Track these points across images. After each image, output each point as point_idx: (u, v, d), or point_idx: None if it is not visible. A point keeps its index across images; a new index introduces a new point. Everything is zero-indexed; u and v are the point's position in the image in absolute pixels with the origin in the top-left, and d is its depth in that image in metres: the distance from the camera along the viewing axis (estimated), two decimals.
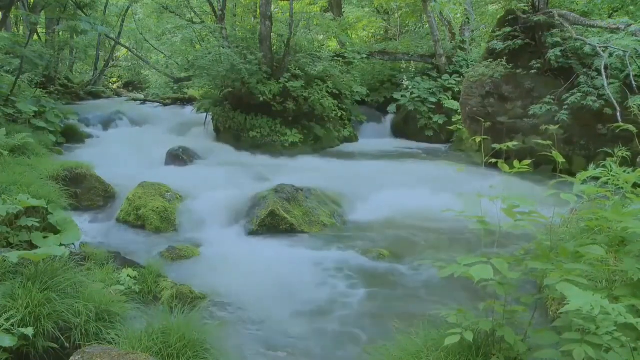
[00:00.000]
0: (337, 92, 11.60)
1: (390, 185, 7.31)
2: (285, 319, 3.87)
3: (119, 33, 16.72)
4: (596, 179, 3.31)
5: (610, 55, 7.38)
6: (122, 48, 19.92)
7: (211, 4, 12.29)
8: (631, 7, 9.73)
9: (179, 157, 9.00)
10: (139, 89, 21.66)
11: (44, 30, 15.99)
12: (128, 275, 3.88)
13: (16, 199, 3.93)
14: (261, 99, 10.22)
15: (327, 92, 11.12)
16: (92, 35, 14.50)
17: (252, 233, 5.80)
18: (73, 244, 4.48)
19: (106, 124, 12.35)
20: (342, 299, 4.23)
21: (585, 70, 8.09)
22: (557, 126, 3.44)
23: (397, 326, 3.20)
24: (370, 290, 4.40)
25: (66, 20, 12.05)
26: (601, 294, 1.91)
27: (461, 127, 10.51)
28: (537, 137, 7.67)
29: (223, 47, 10.45)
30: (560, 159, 2.61)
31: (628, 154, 3.36)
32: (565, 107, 7.85)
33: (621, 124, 3.56)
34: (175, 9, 14.08)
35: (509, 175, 2.56)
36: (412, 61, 13.95)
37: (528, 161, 2.52)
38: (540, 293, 3.32)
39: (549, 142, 2.72)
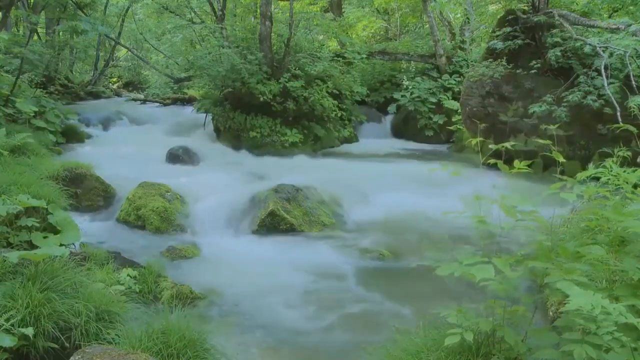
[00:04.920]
0: (337, 92, 11.57)
1: (391, 185, 7.30)
2: (285, 318, 3.87)
3: (119, 33, 16.73)
4: (596, 179, 3.30)
5: (610, 55, 7.38)
6: (122, 48, 19.92)
7: (211, 4, 12.28)
8: (631, 7, 9.73)
9: (179, 157, 9.01)
10: (139, 89, 21.64)
11: (44, 30, 15.98)
12: (128, 275, 3.89)
13: (16, 199, 3.93)
14: (261, 99, 10.21)
15: (327, 92, 11.10)
16: (92, 35, 14.50)
17: (252, 233, 5.80)
18: (73, 244, 4.48)
19: (106, 123, 12.35)
20: (342, 299, 4.23)
21: (585, 70, 8.08)
22: (557, 126, 3.43)
23: (397, 326, 3.19)
24: (370, 290, 4.40)
25: (66, 20, 12.06)
26: (601, 294, 1.90)
27: (461, 127, 10.50)
28: (537, 137, 7.67)
29: (223, 47, 10.44)
30: (561, 159, 2.61)
31: (629, 153, 3.35)
32: (564, 104, 7.84)
33: (621, 124, 3.55)
34: (175, 9, 14.08)
35: (510, 176, 2.56)
36: (412, 61, 13.93)
37: (528, 162, 2.52)
38: (540, 293, 3.31)
39: (548, 142, 2.72)
